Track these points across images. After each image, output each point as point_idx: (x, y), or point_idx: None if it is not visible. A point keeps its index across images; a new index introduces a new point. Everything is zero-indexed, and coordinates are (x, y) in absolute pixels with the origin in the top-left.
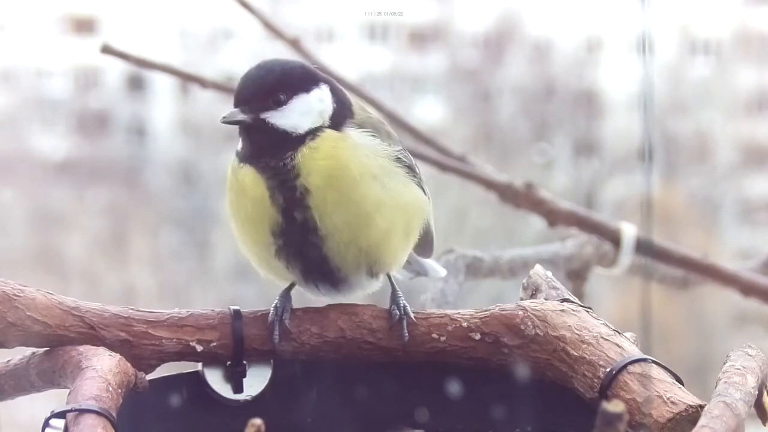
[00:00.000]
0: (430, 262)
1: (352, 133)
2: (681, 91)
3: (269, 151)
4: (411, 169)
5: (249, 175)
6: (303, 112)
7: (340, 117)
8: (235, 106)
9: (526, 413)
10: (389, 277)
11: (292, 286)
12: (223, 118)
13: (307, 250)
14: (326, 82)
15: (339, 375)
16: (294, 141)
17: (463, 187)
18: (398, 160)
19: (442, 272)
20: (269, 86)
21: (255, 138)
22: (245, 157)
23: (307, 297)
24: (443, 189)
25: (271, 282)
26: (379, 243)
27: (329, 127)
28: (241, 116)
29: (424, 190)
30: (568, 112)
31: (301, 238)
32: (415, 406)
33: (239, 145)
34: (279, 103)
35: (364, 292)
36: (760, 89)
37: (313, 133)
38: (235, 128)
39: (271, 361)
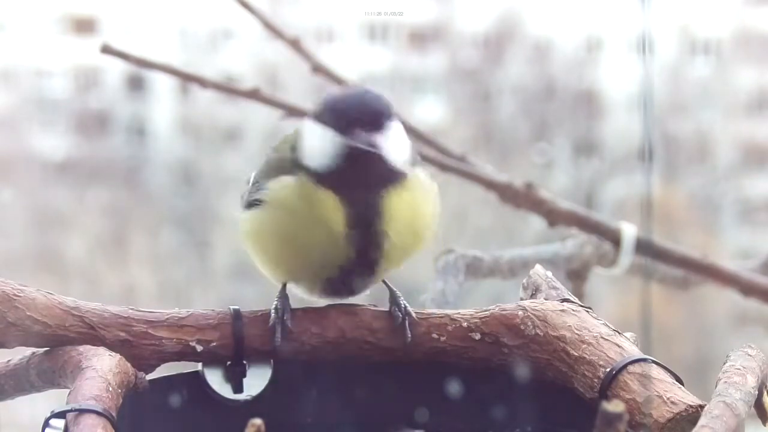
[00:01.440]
0: None
1: (419, 173)
2: (681, 91)
3: (367, 182)
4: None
5: (330, 202)
6: (398, 140)
7: (412, 150)
8: (354, 126)
9: (526, 413)
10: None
11: (286, 284)
12: (350, 138)
13: (355, 280)
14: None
15: (339, 375)
16: (391, 177)
17: (463, 187)
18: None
19: None
20: (385, 111)
21: (371, 166)
22: (327, 181)
23: (306, 297)
24: (443, 189)
25: (271, 282)
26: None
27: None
28: (369, 139)
29: None
30: (568, 112)
31: (362, 272)
32: (415, 406)
33: (311, 161)
34: (389, 129)
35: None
36: (760, 89)
37: (403, 172)
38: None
39: (271, 361)
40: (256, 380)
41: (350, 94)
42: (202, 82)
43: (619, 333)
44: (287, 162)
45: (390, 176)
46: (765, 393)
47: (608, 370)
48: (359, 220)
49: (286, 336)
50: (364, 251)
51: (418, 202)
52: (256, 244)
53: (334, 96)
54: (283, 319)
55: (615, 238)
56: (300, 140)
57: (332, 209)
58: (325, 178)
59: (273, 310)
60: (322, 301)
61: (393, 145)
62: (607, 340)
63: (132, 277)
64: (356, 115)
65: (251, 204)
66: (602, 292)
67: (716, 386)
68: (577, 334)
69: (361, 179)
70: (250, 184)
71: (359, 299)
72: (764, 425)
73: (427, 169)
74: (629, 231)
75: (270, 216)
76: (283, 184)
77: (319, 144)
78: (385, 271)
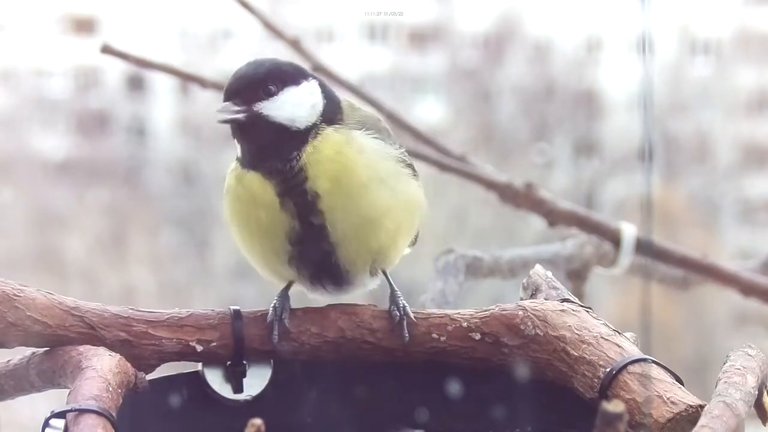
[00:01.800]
0: None
1: (355, 134)
2: (681, 91)
3: (271, 150)
4: (412, 168)
5: (256, 181)
6: (295, 103)
7: (332, 113)
8: (225, 99)
9: (526, 413)
10: (387, 277)
11: (290, 285)
12: (217, 112)
13: (319, 256)
14: (313, 77)
15: (339, 375)
16: (295, 138)
17: (463, 187)
18: (401, 160)
19: None
20: (259, 78)
21: (253, 136)
22: (249, 163)
23: (306, 296)
24: (443, 189)
25: (272, 282)
26: (388, 244)
27: (323, 122)
28: (235, 109)
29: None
30: (568, 112)
31: (316, 244)
32: (415, 406)
33: (239, 151)
34: (270, 94)
35: (364, 290)
36: (760, 89)
37: (314, 131)
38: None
39: (271, 361)
40: (256, 380)
41: (237, 69)
42: (202, 82)
43: (619, 333)
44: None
45: (289, 135)
46: (765, 393)
47: (608, 370)
48: (285, 187)
49: (285, 335)
50: (304, 216)
51: (345, 159)
52: (231, 231)
53: None
54: (281, 318)
55: (615, 238)
56: None
57: (259, 183)
58: (246, 161)
59: (271, 309)
60: (323, 301)
61: (278, 108)
62: (607, 340)
63: (132, 277)
64: (229, 88)
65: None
66: (602, 292)
67: (716, 386)
68: (577, 334)
69: (260, 149)
70: None
71: (358, 299)
72: (764, 425)
73: (372, 134)
74: (629, 231)
75: (226, 203)
76: (229, 172)
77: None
78: (350, 243)
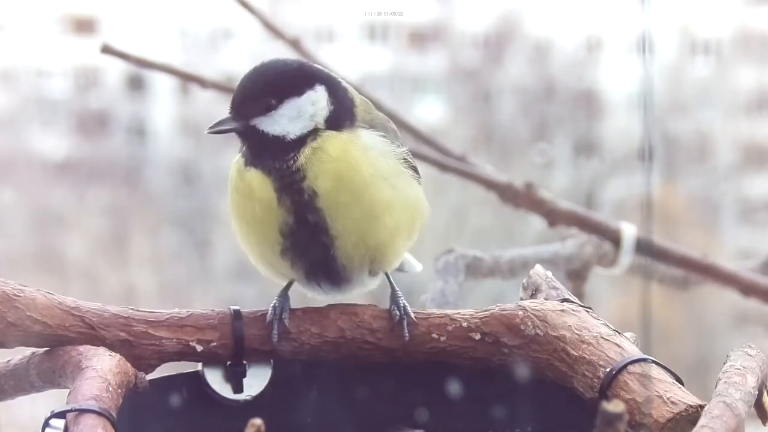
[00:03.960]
0: (407, 257)
1: (362, 133)
2: (681, 91)
3: (269, 155)
4: (416, 170)
5: (255, 177)
6: (292, 117)
7: (340, 118)
8: (230, 111)
9: (526, 413)
10: (388, 276)
11: (290, 285)
12: (210, 128)
13: (314, 250)
14: (325, 82)
15: (339, 375)
16: (291, 145)
17: (463, 187)
18: (405, 161)
19: (418, 267)
20: (259, 91)
21: (249, 143)
22: (249, 160)
23: (306, 297)
24: (443, 189)
25: (272, 281)
26: (387, 243)
27: (328, 128)
28: (230, 124)
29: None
30: (568, 112)
31: (310, 238)
32: (415, 406)
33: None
34: (268, 109)
35: (363, 291)
36: (760, 89)
37: (312, 136)
38: None
39: (271, 361)
40: (256, 380)
41: (243, 76)
42: (202, 82)
43: (619, 333)
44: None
45: (284, 143)
46: (765, 393)
47: (608, 370)
48: (282, 184)
49: (285, 335)
50: (301, 214)
51: (348, 157)
52: (231, 223)
53: None
54: (280, 317)
55: (615, 238)
56: None
57: (258, 181)
58: (248, 157)
59: (271, 308)
60: (322, 301)
61: (273, 123)
62: (607, 340)
63: (132, 277)
64: (234, 98)
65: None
66: (602, 292)
67: (716, 386)
68: (577, 334)
69: (259, 152)
70: None
71: (358, 299)
72: (764, 425)
73: (377, 133)
74: (629, 231)
75: (230, 196)
76: (233, 162)
77: None
78: (349, 240)
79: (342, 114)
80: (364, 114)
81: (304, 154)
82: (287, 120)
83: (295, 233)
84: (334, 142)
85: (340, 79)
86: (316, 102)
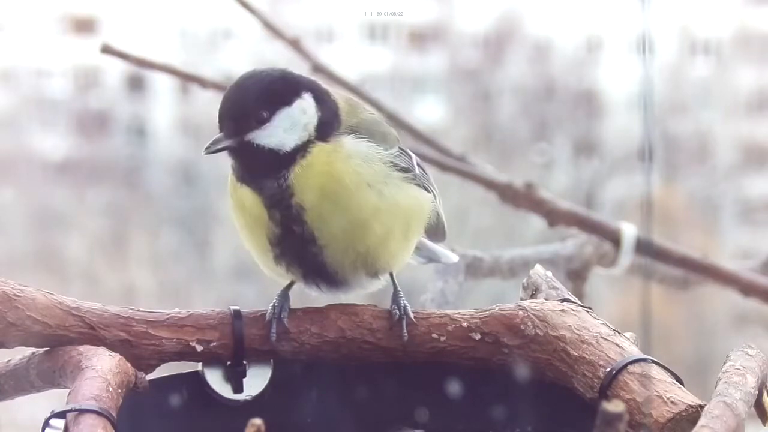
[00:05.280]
0: (441, 248)
1: (345, 141)
2: (681, 91)
3: (261, 172)
4: (408, 170)
5: (246, 195)
6: (287, 127)
7: (327, 126)
8: (220, 129)
9: (526, 413)
10: (392, 277)
11: (291, 284)
12: (206, 149)
13: (305, 257)
14: (309, 88)
15: (339, 375)
16: (284, 159)
17: (463, 187)
18: (393, 164)
19: (454, 258)
20: (249, 105)
21: (244, 160)
22: (241, 176)
23: (307, 296)
24: (443, 189)
25: (272, 281)
26: (377, 247)
27: (317, 138)
28: (225, 142)
29: (426, 188)
30: (568, 112)
31: (300, 247)
32: (415, 406)
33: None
34: (262, 122)
35: (366, 291)
36: (760, 89)
37: (303, 149)
38: None
39: (271, 361)
40: (256, 380)
41: (227, 92)
42: (202, 82)
43: (619, 333)
44: None
45: (278, 158)
46: (765, 393)
47: (608, 370)
48: (272, 201)
49: (285, 335)
50: (287, 226)
51: (331, 169)
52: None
53: None
54: (279, 317)
55: (615, 238)
56: None
57: (250, 199)
58: (239, 175)
59: (270, 308)
60: (323, 301)
61: (269, 136)
62: (607, 340)
63: (132, 277)
64: (221, 115)
65: None
66: (602, 292)
67: (716, 386)
68: (577, 334)
69: (250, 169)
70: None
71: (359, 299)
72: (764, 425)
73: (362, 138)
74: (629, 231)
75: (231, 206)
76: (230, 174)
77: None
78: (338, 248)
79: (328, 120)
80: (349, 117)
81: (294, 172)
82: (282, 131)
83: (283, 243)
84: (320, 156)
85: (320, 83)
86: (306, 110)
